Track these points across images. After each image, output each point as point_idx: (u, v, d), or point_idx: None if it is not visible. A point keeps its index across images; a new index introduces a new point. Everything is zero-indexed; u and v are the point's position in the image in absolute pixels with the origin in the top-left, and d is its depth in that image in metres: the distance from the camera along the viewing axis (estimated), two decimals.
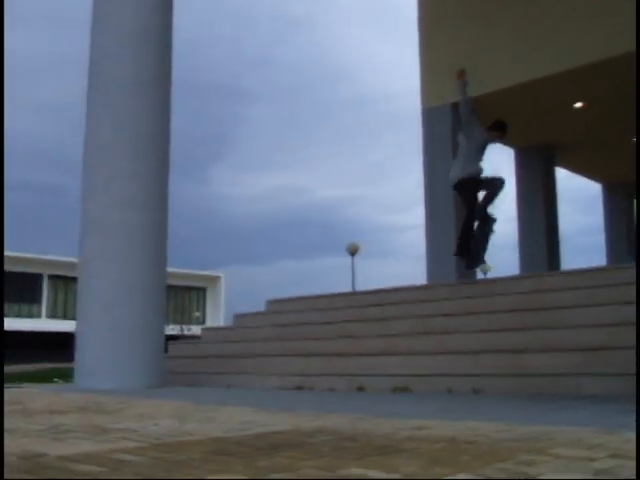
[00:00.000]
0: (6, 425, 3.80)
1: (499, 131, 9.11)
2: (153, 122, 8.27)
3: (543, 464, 2.39)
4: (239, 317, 11.10)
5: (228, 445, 3.00)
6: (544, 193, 15.25)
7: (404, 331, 8.23)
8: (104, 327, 7.77)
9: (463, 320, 7.92)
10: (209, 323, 56.68)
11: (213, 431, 3.53)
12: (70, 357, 8.58)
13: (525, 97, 12.53)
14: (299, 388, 7.61)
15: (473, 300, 8.50)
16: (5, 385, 9.84)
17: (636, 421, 2.29)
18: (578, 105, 13.12)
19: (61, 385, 9.69)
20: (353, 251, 29.95)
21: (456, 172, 8.96)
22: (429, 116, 13.25)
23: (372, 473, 2.26)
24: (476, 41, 12.65)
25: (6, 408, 5.09)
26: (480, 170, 8.91)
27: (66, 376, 12.65)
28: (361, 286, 29.04)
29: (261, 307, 11.34)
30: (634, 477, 1.65)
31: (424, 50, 13.58)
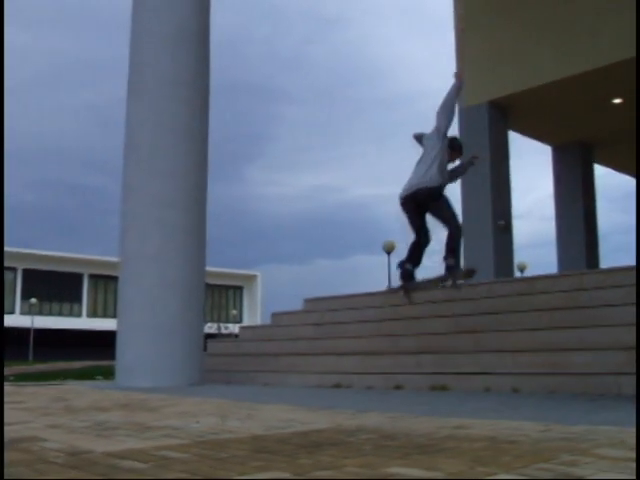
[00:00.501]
0: (52, 421, 3.88)
1: (458, 151, 7.22)
2: (192, 122, 8.36)
3: (586, 465, 2.38)
4: (276, 316, 11.15)
5: (270, 443, 3.03)
6: (582, 191, 15.09)
7: (440, 330, 8.21)
8: (144, 326, 7.87)
9: (501, 318, 7.88)
10: (246, 321, 57.00)
11: (254, 429, 3.56)
12: (111, 355, 8.71)
13: (564, 93, 12.40)
14: (337, 386, 7.63)
15: (511, 298, 8.44)
16: (49, 382, 10.02)
17: (636, 422, 2.29)
18: (617, 101, 12.95)
19: (103, 382, 9.82)
20: (389, 249, 29.80)
21: (416, 180, 6.67)
22: (466, 115, 13.17)
23: (414, 472, 2.27)
24: (514, 37, 12.56)
25: (51, 405, 5.20)
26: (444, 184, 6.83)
27: (107, 374, 12.81)
28: (397, 284, 28.93)
29: (297, 305, 11.38)
30: None
31: (460, 48, 13.50)
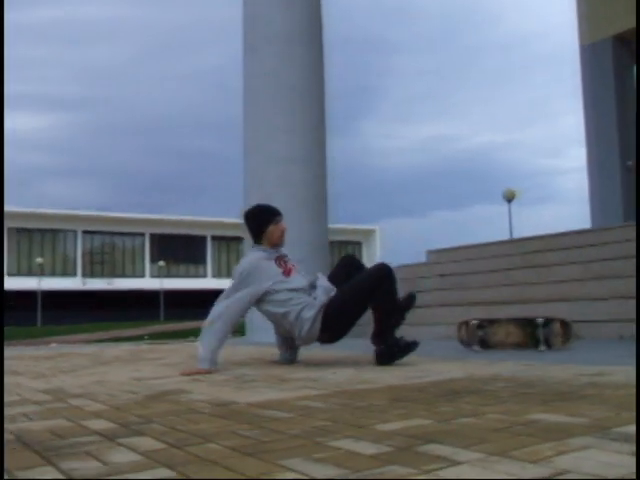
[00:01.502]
0: (195, 375, 4.04)
1: None
2: (308, 77, 8.39)
3: None
4: (400, 269, 11.15)
5: (407, 392, 3.05)
6: None
7: (570, 277, 8.00)
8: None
9: (633, 263, 7.59)
10: None
11: (390, 379, 3.60)
12: None
13: None
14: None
15: None
16: (184, 340, 10.43)
17: (636, 414, 2.19)
18: None
19: (234, 338, 10.13)
20: (509, 197, 29.16)
21: None
22: (588, 53, 12.62)
23: (558, 418, 2.24)
24: None
25: (189, 360, 5.40)
26: None
27: (235, 331, 13.23)
28: (518, 234, 28.33)
29: (417, 258, 11.33)
30: None
31: None
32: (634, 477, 1.49)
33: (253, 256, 4.72)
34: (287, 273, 4.61)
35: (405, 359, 4.52)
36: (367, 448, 1.86)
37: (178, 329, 17.94)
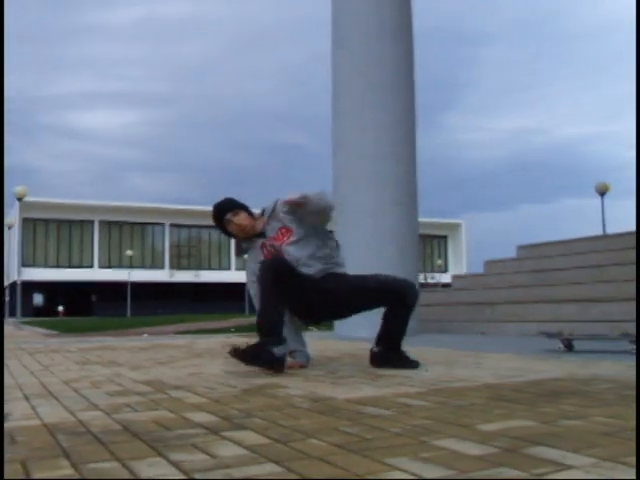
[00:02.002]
0: (288, 369, 4.07)
1: None
2: (398, 72, 8.34)
3: None
4: (490, 264, 11.01)
5: (505, 391, 3.00)
6: None
7: None
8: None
9: None
10: (451, 271, 56.72)
11: (485, 377, 3.55)
12: None
13: None
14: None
15: None
16: None
17: (636, 415, 2.05)
18: None
19: (321, 332, 10.18)
20: (602, 191, 28.29)
21: None
22: None
23: None
24: None
25: None
26: None
27: (320, 324, 13.27)
28: (611, 229, 27.55)
29: (503, 253, 11.19)
30: None
31: None
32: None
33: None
34: (269, 256, 4.25)
35: (494, 361, 4.44)
36: (472, 448, 1.84)
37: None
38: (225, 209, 4.42)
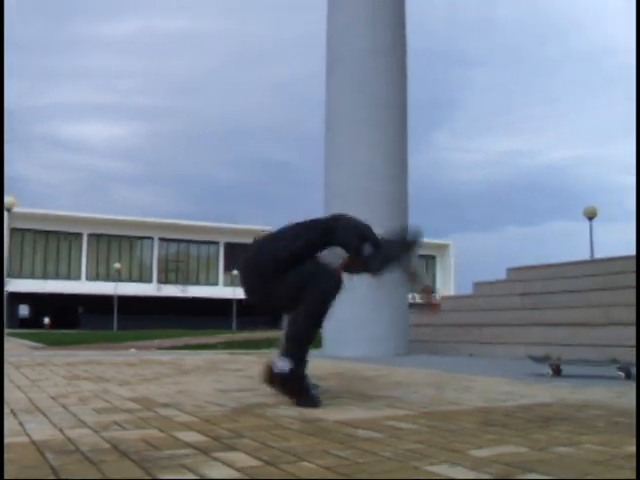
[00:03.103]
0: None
1: None
2: (392, 90, 8.38)
3: None
4: (479, 285, 11.01)
5: (496, 416, 2.99)
6: None
7: None
8: (351, 295, 8.02)
9: None
10: (439, 291, 56.77)
11: (475, 401, 3.54)
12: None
13: None
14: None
15: None
16: (259, 351, 10.48)
17: (636, 422, 2.07)
18: None
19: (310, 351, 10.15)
20: (591, 215, 28.34)
21: None
22: None
23: None
24: None
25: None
26: None
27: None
28: (599, 253, 27.62)
29: (491, 274, 11.19)
30: None
31: None
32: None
33: None
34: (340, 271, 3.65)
35: (483, 384, 4.43)
36: (465, 474, 1.83)
37: (250, 338, 18.04)
38: None
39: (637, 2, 8.07)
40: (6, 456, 2.04)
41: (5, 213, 33.51)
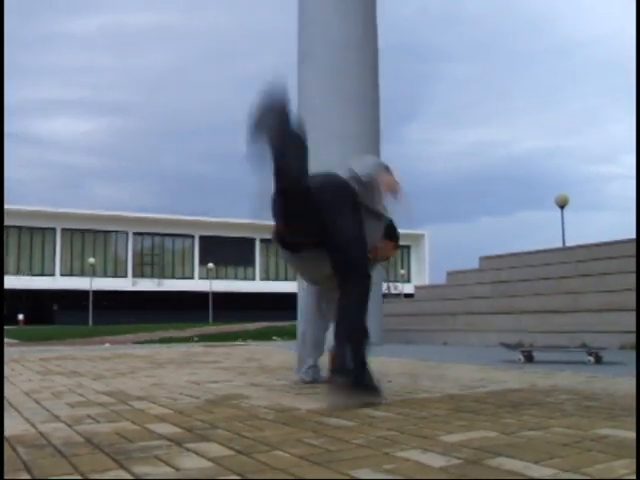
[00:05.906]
0: (251, 380, 4.07)
1: None
2: (363, 83, 8.38)
3: None
4: (452, 274, 11.09)
5: (468, 402, 3.03)
6: None
7: (627, 285, 7.85)
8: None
9: None
10: (414, 281, 57.01)
11: (448, 388, 3.58)
12: (282, 316, 8.98)
13: None
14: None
15: None
16: (234, 343, 10.49)
17: (636, 420, 2.12)
18: None
19: (284, 342, 10.17)
20: (562, 204, 28.51)
21: None
22: None
23: (628, 433, 2.20)
24: None
25: (245, 364, 5.43)
26: None
27: (283, 334, 13.26)
28: (570, 241, 27.86)
29: (464, 264, 11.30)
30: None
31: None
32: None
33: None
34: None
35: (456, 372, 4.48)
36: (436, 460, 1.85)
37: (227, 331, 18.04)
38: None
39: (637, 2, 8.15)
40: None
41: None
